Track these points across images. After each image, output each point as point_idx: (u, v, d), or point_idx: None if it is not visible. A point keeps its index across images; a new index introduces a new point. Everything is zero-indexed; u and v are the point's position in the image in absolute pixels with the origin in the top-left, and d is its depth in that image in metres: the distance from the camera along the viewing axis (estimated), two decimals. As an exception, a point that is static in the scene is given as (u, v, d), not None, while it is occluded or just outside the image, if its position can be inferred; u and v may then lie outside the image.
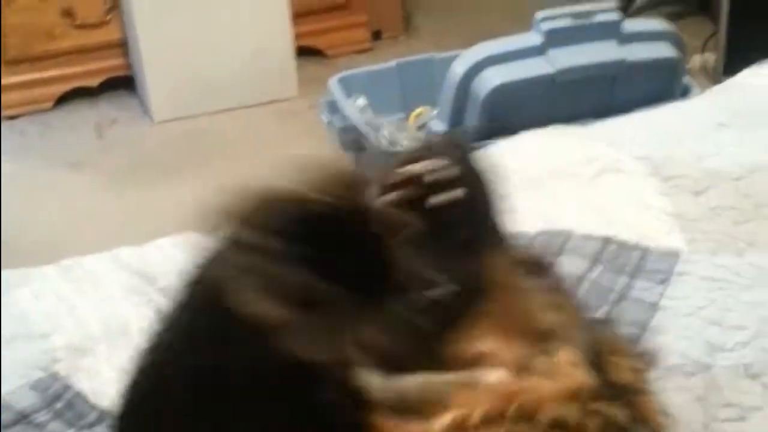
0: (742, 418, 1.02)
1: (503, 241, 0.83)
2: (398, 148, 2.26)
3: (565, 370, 0.74)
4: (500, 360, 0.74)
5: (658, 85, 2.20)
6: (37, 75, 3.41)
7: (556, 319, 0.79)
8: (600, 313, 1.14)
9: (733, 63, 2.50)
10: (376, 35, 3.84)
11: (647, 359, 0.86)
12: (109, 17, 3.45)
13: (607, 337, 0.85)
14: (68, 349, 1.09)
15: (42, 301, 1.20)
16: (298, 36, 3.51)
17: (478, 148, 0.88)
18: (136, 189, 2.99)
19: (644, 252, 1.24)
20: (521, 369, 0.73)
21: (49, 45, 3.40)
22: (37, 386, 1.04)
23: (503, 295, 0.78)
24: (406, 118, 2.51)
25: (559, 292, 0.84)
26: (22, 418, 1.00)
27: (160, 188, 2.98)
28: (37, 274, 1.27)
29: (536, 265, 0.85)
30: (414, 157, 0.81)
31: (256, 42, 3.40)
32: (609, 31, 2.18)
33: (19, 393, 1.02)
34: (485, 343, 0.75)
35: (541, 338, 0.77)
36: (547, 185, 1.40)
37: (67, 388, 1.03)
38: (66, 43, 3.42)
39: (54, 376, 1.05)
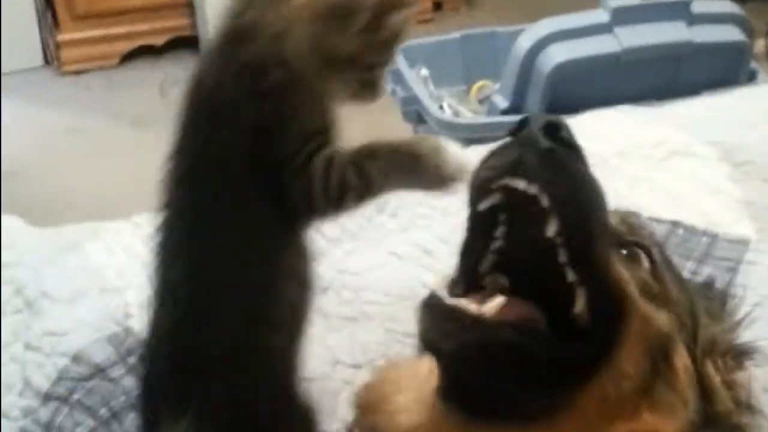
0: None
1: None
2: (462, 120, 2.26)
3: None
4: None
5: (724, 69, 2.17)
6: (104, 31, 3.46)
7: (667, 321, 0.79)
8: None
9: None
10: (437, 6, 3.83)
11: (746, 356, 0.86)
12: (176, -23, 3.48)
13: (709, 329, 0.84)
14: (141, 305, 1.12)
15: (115, 257, 1.23)
16: (361, 3, 3.52)
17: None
18: (196, 149, 3.04)
19: (713, 238, 1.23)
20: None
21: (117, 2, 3.44)
22: (112, 340, 1.06)
23: (633, 309, 0.77)
24: (468, 90, 2.51)
25: (659, 279, 0.82)
26: (98, 371, 1.03)
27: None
28: (109, 229, 1.30)
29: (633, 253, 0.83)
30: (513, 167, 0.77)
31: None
32: (677, 12, 2.15)
33: (95, 346, 1.05)
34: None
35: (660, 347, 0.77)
36: (615, 165, 1.40)
37: (141, 343, 1.06)
38: (133, 1, 3.46)
39: (128, 331, 1.07)
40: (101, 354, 1.05)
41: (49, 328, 1.07)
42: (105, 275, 1.18)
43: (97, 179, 2.88)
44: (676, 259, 1.19)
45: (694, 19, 2.16)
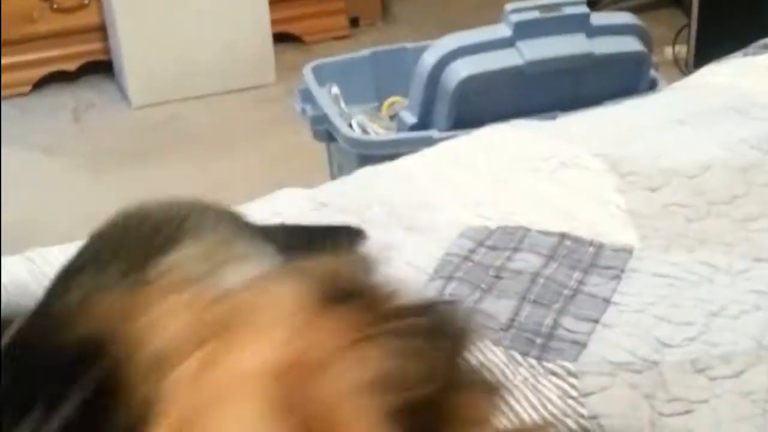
0: (687, 412, 1.04)
1: None
2: (369, 137, 2.28)
3: None
4: None
5: (625, 79, 2.23)
6: (15, 58, 3.42)
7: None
8: (554, 309, 1.16)
9: (704, 55, 2.53)
10: (354, 22, 3.86)
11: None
12: (87, 1, 3.45)
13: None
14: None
15: (8, 293, 1.22)
16: (275, 22, 3.53)
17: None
18: (113, 174, 3.02)
19: (599, 248, 1.27)
20: None
21: (28, 28, 3.41)
22: None
23: None
24: (380, 107, 2.53)
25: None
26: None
27: (136, 173, 3.00)
28: (3, 264, 1.29)
29: None
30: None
31: (233, 28, 3.42)
32: (577, 24, 2.20)
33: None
34: None
35: None
36: (506, 180, 1.43)
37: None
38: (44, 27, 3.43)
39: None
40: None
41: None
42: (-4, 312, 1.17)
43: (9, 209, 2.84)
44: (564, 270, 1.23)
45: (593, 31, 2.22)
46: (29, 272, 1.28)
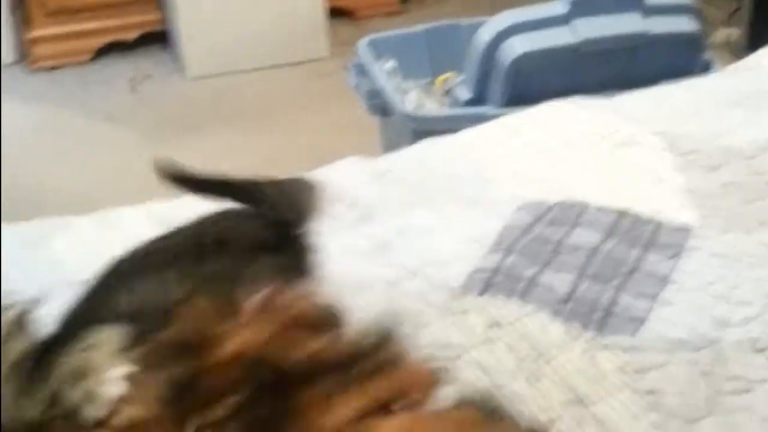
0: (747, 391, 1.04)
1: None
2: (424, 113, 2.30)
3: None
4: None
5: (678, 59, 2.22)
6: (75, 27, 3.48)
7: None
8: (612, 285, 1.18)
9: (757, 38, 2.52)
10: (405, -3, 3.87)
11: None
12: (146, -28, 3.50)
13: None
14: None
15: (79, 250, 1.26)
16: (329, -3, 3.55)
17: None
18: (167, 143, 3.06)
19: (657, 226, 1.28)
20: None
21: (88, -2, 3.46)
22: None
23: None
24: (433, 82, 2.55)
25: None
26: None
27: (190, 143, 3.04)
28: (73, 224, 1.34)
29: None
30: None
31: (289, 2, 3.44)
32: (632, 4, 2.20)
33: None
34: None
35: None
36: (565, 156, 1.45)
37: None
38: (104, -3, 3.48)
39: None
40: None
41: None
42: (71, 269, 1.21)
43: (69, 174, 2.90)
44: (622, 247, 1.24)
45: (648, 11, 2.21)
46: (98, 229, 1.32)
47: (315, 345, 0.78)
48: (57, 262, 1.24)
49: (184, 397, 0.75)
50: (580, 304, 1.15)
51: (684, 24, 2.23)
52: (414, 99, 2.39)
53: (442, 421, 0.75)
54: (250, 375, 0.75)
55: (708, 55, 2.28)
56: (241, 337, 0.77)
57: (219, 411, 0.73)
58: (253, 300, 0.82)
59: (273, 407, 0.74)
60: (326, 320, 0.83)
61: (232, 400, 0.74)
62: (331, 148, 2.38)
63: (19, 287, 1.18)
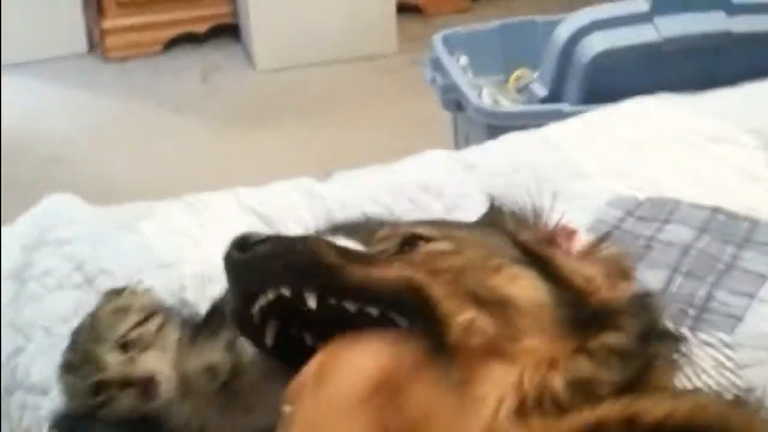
0: None
1: None
2: (500, 108, 2.29)
3: None
4: None
5: (763, 59, 2.18)
6: (147, 18, 3.53)
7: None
8: (708, 282, 1.16)
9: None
10: (475, -5, 3.86)
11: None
12: (218, -34, 3.53)
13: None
14: (195, 278, 1.16)
15: (168, 233, 1.27)
16: (399, -7, 3.55)
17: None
18: (236, 134, 3.09)
19: (753, 224, 1.25)
20: None
21: (161, -10, 3.51)
22: (169, 313, 1.11)
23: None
24: (506, 79, 2.53)
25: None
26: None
27: (258, 135, 3.07)
28: (161, 208, 1.35)
29: None
30: None
31: (359, -4, 3.46)
32: (717, 2, 2.16)
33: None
34: None
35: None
36: (654, 152, 1.43)
37: (196, 314, 1.10)
38: (177, -11, 3.52)
39: (184, 303, 1.11)
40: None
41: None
42: (159, 251, 1.22)
43: (139, 164, 2.94)
44: (716, 245, 1.22)
45: (733, 9, 2.17)
46: (186, 213, 1.33)
47: None
48: (145, 245, 1.25)
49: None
50: (675, 301, 1.13)
51: (770, 23, 2.18)
52: (487, 95, 2.38)
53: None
54: None
55: (794, 55, 2.23)
56: None
57: None
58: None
59: None
60: None
61: None
62: (401, 143, 2.39)
63: (112, 267, 1.20)
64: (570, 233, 0.93)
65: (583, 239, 0.95)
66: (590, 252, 0.93)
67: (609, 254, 0.92)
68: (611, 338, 0.79)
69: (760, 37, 2.19)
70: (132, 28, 3.52)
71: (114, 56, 3.53)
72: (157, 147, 3.04)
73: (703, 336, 1.08)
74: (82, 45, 3.59)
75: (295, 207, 1.33)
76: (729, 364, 1.04)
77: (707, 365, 1.04)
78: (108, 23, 3.50)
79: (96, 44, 3.58)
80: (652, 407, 0.74)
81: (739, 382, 1.02)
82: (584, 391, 0.75)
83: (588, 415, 0.73)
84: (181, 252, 1.22)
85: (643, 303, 0.86)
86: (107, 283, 1.17)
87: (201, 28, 3.58)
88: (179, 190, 1.47)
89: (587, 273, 0.87)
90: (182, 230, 1.29)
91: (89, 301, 1.14)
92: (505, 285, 0.82)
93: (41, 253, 1.20)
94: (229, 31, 3.60)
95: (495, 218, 1.00)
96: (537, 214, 0.98)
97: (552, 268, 0.86)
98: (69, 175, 2.86)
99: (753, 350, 1.06)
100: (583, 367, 0.77)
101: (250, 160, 2.88)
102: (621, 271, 0.91)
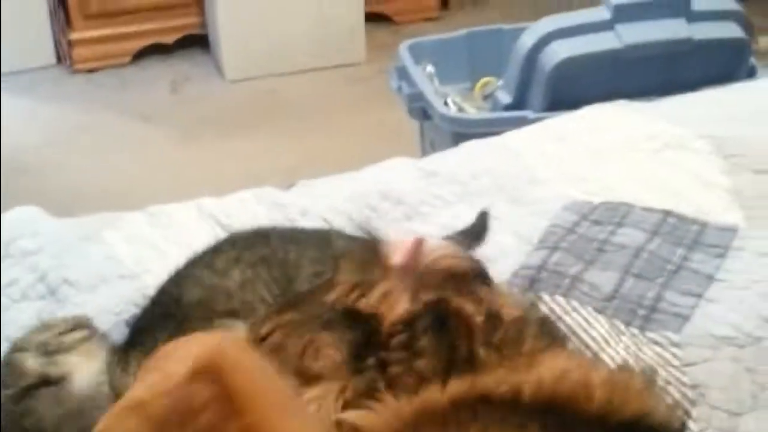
0: None
1: None
2: (465, 116, 2.31)
3: None
4: None
5: (723, 65, 2.21)
6: (115, 30, 3.52)
7: None
8: (657, 283, 1.19)
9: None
10: (444, 3, 3.89)
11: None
12: (186, -25, 3.54)
13: None
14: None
15: (132, 244, 1.29)
16: (367, 2, 3.57)
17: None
18: (207, 144, 3.10)
19: (703, 226, 1.28)
20: None
21: (128, 1, 3.50)
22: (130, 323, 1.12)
23: None
24: (472, 87, 2.56)
25: None
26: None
27: (229, 145, 3.07)
28: (125, 219, 1.36)
29: None
30: None
31: (327, 6, 3.47)
32: (677, 9, 2.19)
33: (116, 329, 1.11)
34: None
35: None
36: (610, 158, 1.46)
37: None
38: (145, 0, 3.52)
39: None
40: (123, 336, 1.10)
41: (72, 312, 1.13)
42: (123, 262, 1.24)
43: (107, 174, 2.94)
44: (667, 246, 1.25)
45: (694, 16, 2.20)
46: (150, 225, 1.34)
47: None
48: (109, 255, 1.27)
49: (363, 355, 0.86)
50: (624, 301, 1.17)
51: (730, 30, 2.21)
52: (455, 103, 2.40)
53: None
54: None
55: (753, 61, 2.27)
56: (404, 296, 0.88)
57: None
58: (399, 249, 0.90)
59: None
60: (479, 273, 0.94)
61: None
62: (369, 151, 2.41)
63: (75, 277, 1.21)
64: (417, 244, 0.94)
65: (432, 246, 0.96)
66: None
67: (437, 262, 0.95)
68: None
69: (720, 43, 2.23)
70: (100, 40, 3.52)
71: (82, 68, 3.53)
72: (126, 157, 3.05)
73: (651, 335, 1.11)
74: (50, 57, 3.59)
75: (257, 216, 1.34)
76: (675, 362, 1.07)
77: (654, 363, 1.07)
78: (75, 35, 3.50)
79: (64, 56, 3.57)
80: (493, 384, 0.80)
81: (684, 378, 1.05)
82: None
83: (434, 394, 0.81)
84: (145, 263, 1.24)
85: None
86: (70, 293, 1.18)
87: (170, 39, 3.58)
88: (148, 200, 1.48)
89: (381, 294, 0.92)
90: (146, 241, 1.30)
91: (52, 311, 1.16)
92: None
93: (5, 264, 1.21)
94: (198, 41, 3.60)
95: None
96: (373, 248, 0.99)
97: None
98: (37, 185, 2.86)
99: (699, 348, 1.09)
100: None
101: (220, 169, 2.89)
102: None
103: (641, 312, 1.16)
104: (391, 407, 0.81)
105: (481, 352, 0.85)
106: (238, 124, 3.21)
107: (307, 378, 0.87)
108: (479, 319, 0.88)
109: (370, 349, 0.87)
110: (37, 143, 3.15)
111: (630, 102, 1.67)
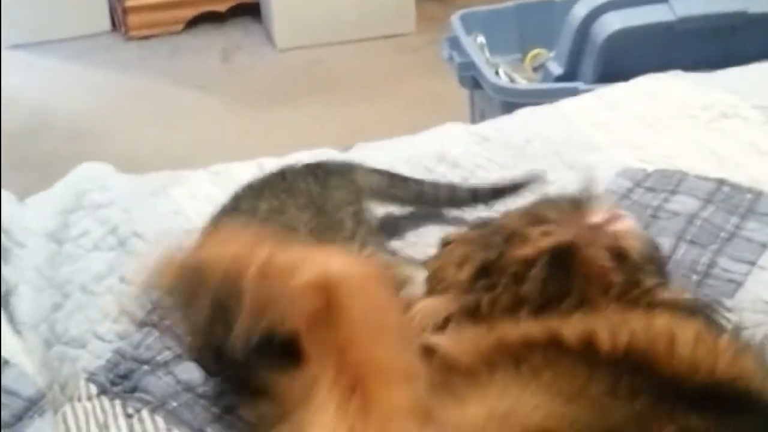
0: None
1: None
2: (516, 86, 2.33)
3: None
4: None
5: (777, 40, 2.21)
6: (169, -2, 3.58)
7: None
8: (711, 250, 1.21)
9: None
10: (493, -25, 3.89)
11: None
12: (240, -55, 3.57)
13: None
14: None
15: (196, 200, 1.33)
16: (418, -27, 3.59)
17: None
18: (257, 112, 3.14)
19: (757, 195, 1.29)
20: None
21: (183, -30, 3.56)
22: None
23: None
24: (522, 58, 2.57)
25: None
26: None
27: (278, 113, 3.12)
28: (190, 177, 1.40)
29: None
30: None
31: (378, -23, 3.49)
32: (732, -18, 2.19)
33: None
34: None
35: None
36: (665, 126, 1.47)
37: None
38: (198, -31, 3.57)
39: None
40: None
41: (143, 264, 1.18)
42: (189, 216, 1.28)
43: (160, 140, 2.99)
44: (721, 214, 1.27)
45: (749, -10, 2.20)
46: (212, 183, 1.38)
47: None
48: (175, 210, 1.31)
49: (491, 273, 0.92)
50: (678, 267, 1.18)
51: (786, 4, 2.21)
52: (506, 73, 2.42)
53: None
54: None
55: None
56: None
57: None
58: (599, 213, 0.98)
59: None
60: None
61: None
62: (418, 120, 2.43)
63: (144, 230, 1.26)
64: (615, 216, 1.00)
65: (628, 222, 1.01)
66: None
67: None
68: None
69: (776, 17, 2.22)
70: (154, 7, 3.57)
71: (136, 35, 3.58)
72: (179, 123, 3.10)
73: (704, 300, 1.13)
74: (105, 23, 3.65)
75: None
76: (728, 326, 1.09)
77: (708, 327, 1.09)
78: (131, 2, 3.56)
79: (119, 23, 3.63)
80: (569, 329, 0.83)
81: (739, 343, 1.07)
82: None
83: (511, 330, 0.85)
84: (209, 217, 1.28)
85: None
86: (139, 246, 1.23)
87: (222, 7, 3.63)
88: (200, 165, 1.52)
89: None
90: (210, 197, 1.34)
91: (122, 262, 1.21)
92: None
93: (77, 216, 1.26)
94: (249, 10, 3.64)
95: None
96: (582, 203, 1.04)
97: None
98: (92, 150, 2.92)
99: (752, 313, 1.10)
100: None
101: (270, 138, 2.93)
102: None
103: (695, 277, 1.17)
104: (470, 337, 0.85)
105: (596, 296, 0.89)
106: (288, 92, 3.25)
107: (439, 287, 0.94)
108: (606, 265, 0.91)
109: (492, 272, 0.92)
110: (91, 108, 3.21)
111: (684, 73, 1.67)
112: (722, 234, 1.24)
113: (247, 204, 1.14)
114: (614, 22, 2.15)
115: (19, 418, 0.98)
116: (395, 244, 1.21)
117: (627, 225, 1.00)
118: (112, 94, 3.31)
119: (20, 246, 1.23)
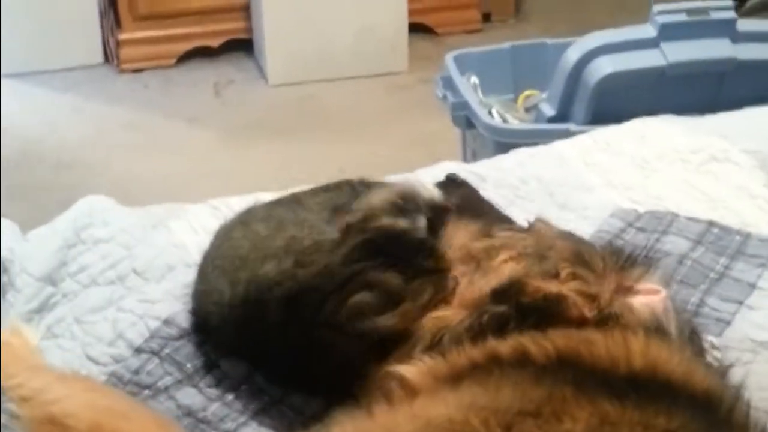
0: None
1: None
2: (509, 126, 2.35)
3: None
4: None
5: (766, 85, 2.24)
6: (163, 32, 3.60)
7: None
8: (700, 290, 1.22)
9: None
10: (486, 17, 3.93)
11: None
12: (233, -20, 3.60)
13: None
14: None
15: (195, 234, 1.33)
16: (410, 13, 3.62)
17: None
18: (247, 146, 3.15)
19: (746, 237, 1.32)
20: None
21: (176, 4, 3.58)
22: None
23: None
24: (515, 99, 2.60)
25: None
26: (186, 334, 1.15)
27: (269, 148, 3.13)
28: (189, 210, 1.41)
29: None
30: None
31: (371, 15, 3.53)
32: (723, 29, 2.22)
33: (183, 314, 1.16)
34: None
35: None
36: (656, 168, 1.49)
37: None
38: (193, 4, 3.59)
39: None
40: (187, 321, 1.15)
41: (141, 297, 1.18)
42: (189, 250, 1.28)
43: (152, 171, 3.00)
44: (710, 255, 1.29)
45: (739, 37, 2.23)
46: (212, 216, 1.39)
47: None
48: (175, 243, 1.31)
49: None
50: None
51: (774, 50, 2.24)
52: (499, 113, 2.44)
53: None
54: None
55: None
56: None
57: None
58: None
59: None
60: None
61: None
62: (409, 158, 2.46)
63: (144, 267, 1.26)
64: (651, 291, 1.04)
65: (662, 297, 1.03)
66: None
67: None
68: None
69: (764, 64, 2.26)
70: (147, 41, 3.59)
71: (128, 67, 3.60)
72: (171, 156, 3.11)
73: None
74: (97, 56, 3.66)
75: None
76: (715, 364, 1.10)
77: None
78: (124, 35, 3.58)
79: (111, 55, 3.65)
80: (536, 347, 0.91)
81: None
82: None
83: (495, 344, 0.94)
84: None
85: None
86: (138, 282, 1.23)
87: (215, 42, 3.65)
88: (190, 198, 1.53)
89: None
90: (209, 231, 1.34)
91: (121, 296, 1.21)
92: None
93: (77, 251, 1.27)
94: (242, 45, 3.67)
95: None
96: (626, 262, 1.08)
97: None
98: (83, 181, 2.92)
99: (739, 352, 1.13)
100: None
101: (261, 173, 2.94)
102: None
103: (685, 317, 1.19)
104: (429, 365, 0.95)
105: None
106: (280, 128, 3.27)
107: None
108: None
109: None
110: (82, 139, 3.22)
111: (675, 116, 1.70)
112: (711, 274, 1.27)
113: (239, 234, 1.17)
114: (606, 66, 2.18)
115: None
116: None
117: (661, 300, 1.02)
118: (104, 126, 3.32)
119: (15, 290, 1.23)
